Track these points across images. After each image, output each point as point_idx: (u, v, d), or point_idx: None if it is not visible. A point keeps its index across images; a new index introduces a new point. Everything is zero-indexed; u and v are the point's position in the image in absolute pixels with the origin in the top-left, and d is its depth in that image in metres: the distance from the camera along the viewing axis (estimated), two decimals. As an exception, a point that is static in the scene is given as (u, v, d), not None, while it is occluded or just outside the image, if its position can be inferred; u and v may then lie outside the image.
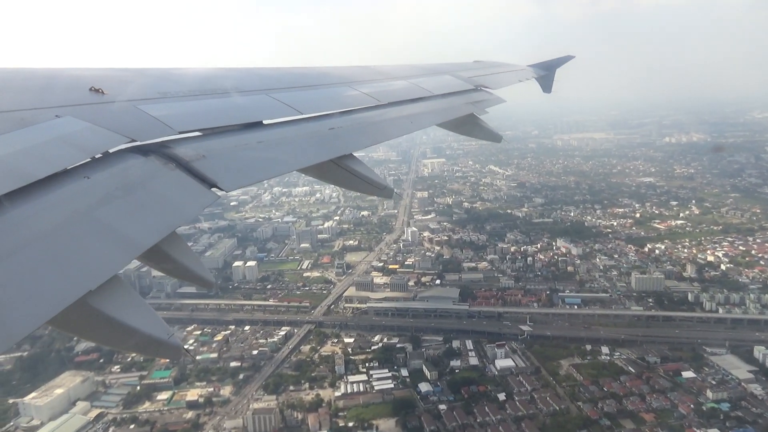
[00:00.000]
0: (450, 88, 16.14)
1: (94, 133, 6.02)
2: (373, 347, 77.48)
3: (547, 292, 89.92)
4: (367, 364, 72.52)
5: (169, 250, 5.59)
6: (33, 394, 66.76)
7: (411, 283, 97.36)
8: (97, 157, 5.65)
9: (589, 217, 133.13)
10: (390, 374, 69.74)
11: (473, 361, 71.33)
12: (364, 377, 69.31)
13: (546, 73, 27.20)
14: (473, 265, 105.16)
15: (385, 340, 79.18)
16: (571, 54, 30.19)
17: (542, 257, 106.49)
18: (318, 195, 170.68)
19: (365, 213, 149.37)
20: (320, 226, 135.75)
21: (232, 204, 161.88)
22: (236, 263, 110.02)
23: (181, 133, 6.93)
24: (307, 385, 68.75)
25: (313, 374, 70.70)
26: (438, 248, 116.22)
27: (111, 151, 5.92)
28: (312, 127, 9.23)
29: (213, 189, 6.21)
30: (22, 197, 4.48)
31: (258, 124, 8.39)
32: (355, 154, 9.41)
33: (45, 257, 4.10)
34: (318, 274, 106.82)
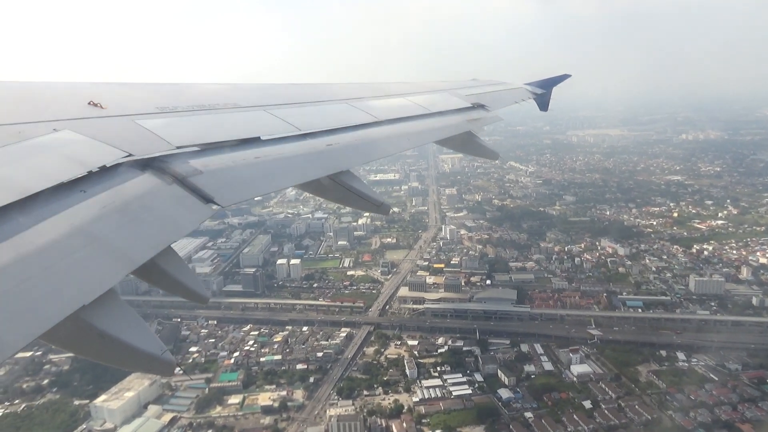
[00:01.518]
0: (447, 106, 16.23)
1: (92, 147, 6.03)
2: (439, 350, 76.17)
3: (605, 295, 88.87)
4: (438, 368, 71.28)
5: (165, 265, 5.60)
6: (103, 397, 65.18)
7: (461, 282, 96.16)
8: (94, 171, 5.63)
9: (626, 216, 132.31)
10: (465, 379, 68.44)
11: (547, 366, 70.15)
12: (438, 382, 68.00)
13: (543, 92, 27.54)
14: (520, 264, 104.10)
15: (450, 342, 77.87)
16: (567, 73, 30.41)
17: (589, 257, 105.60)
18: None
19: (395, 209, 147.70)
20: (354, 223, 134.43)
21: (256, 199, 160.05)
22: (280, 261, 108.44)
23: (178, 148, 6.92)
24: (380, 389, 67.49)
25: (384, 378, 69.35)
26: (480, 247, 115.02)
27: (108, 165, 5.88)
28: (310, 143, 9.22)
29: (209, 204, 6.19)
30: (18, 210, 4.47)
31: (256, 140, 8.34)
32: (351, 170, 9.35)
33: (40, 270, 4.08)
34: (362, 273, 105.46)
